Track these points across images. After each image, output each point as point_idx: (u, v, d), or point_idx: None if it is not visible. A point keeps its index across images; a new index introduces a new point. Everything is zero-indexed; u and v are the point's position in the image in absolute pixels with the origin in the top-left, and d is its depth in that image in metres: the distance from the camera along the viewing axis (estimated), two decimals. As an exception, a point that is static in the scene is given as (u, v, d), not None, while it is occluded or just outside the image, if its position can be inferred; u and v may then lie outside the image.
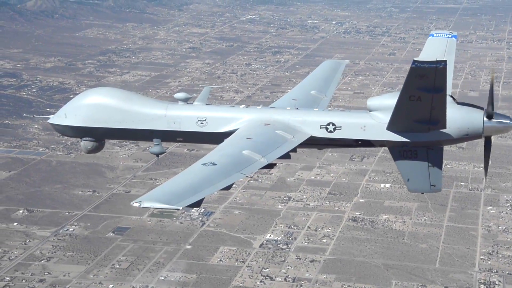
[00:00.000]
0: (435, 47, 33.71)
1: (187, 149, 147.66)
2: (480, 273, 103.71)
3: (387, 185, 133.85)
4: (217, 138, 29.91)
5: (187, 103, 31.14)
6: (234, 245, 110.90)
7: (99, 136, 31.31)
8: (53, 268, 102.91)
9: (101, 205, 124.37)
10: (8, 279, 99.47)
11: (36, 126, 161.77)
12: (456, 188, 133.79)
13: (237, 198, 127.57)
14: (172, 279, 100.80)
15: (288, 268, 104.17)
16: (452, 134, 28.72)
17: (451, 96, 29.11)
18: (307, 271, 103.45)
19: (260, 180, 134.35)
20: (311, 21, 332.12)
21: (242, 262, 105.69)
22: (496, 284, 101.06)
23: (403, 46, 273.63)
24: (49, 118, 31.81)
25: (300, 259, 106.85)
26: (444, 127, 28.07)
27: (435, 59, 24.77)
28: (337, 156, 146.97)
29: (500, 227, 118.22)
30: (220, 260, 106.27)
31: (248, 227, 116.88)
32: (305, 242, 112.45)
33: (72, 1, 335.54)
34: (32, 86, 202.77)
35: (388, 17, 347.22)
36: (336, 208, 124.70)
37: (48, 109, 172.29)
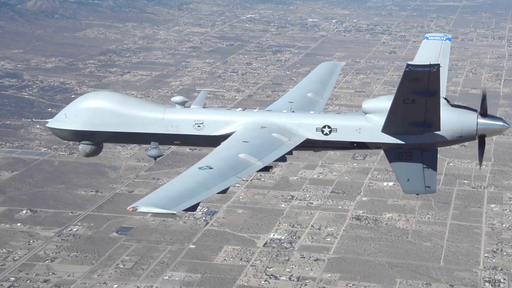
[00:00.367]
0: (429, 50, 34.01)
1: (189, 149, 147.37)
2: (485, 271, 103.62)
3: (390, 183, 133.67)
4: (213, 141, 30.21)
5: (184, 107, 31.36)
6: (238, 244, 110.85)
7: (97, 140, 31.58)
8: (58, 268, 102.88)
9: (104, 205, 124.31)
10: (12, 280, 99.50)
11: (38, 126, 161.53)
12: (459, 186, 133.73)
13: (240, 197, 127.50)
14: (177, 278, 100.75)
15: (292, 267, 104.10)
16: (446, 136, 29.08)
17: (445, 99, 29.49)
18: (312, 270, 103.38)
19: (262, 179, 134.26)
20: (311, 19, 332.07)
21: (246, 261, 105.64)
22: (501, 282, 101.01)
23: (403, 44, 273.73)
24: (47, 122, 32.02)
25: (304, 258, 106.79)
26: (438, 129, 28.42)
27: (429, 63, 25.10)
28: (340, 155, 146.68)
29: (504, 225, 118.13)
30: (224, 259, 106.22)
31: (251, 226, 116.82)
32: (309, 241, 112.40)
33: (72, 1, 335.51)
34: (33, 87, 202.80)
35: (388, 15, 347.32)
36: (340, 207, 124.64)
37: (49, 109, 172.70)
